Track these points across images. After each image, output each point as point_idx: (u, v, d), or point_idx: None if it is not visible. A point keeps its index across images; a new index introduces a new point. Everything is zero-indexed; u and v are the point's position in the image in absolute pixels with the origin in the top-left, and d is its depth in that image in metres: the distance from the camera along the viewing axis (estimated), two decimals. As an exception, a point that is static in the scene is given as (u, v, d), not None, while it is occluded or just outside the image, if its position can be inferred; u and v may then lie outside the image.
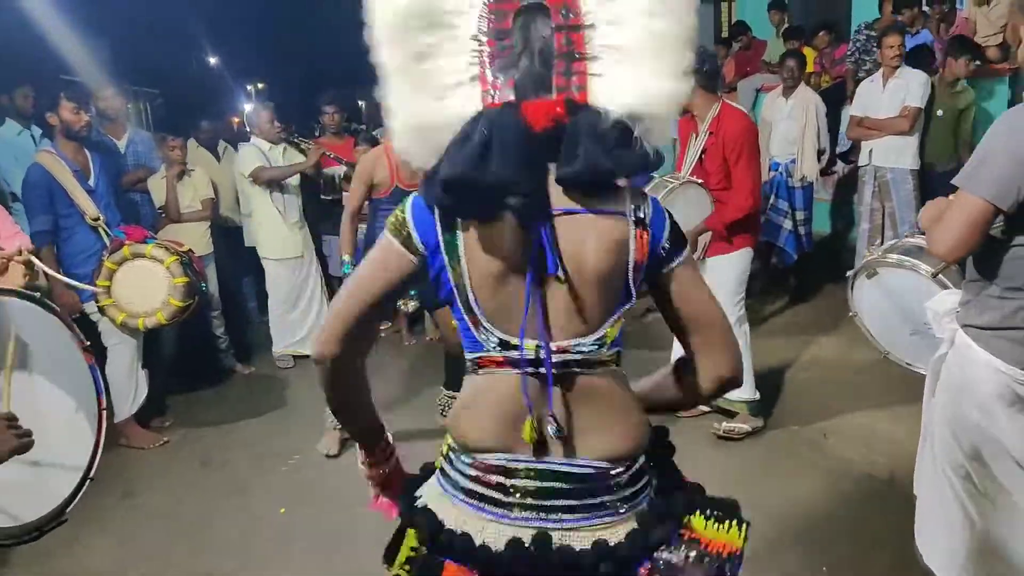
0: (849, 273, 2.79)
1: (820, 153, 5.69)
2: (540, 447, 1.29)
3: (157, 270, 3.81)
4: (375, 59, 1.23)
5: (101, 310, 3.83)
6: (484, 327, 1.28)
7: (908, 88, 4.96)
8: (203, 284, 4.10)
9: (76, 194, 3.82)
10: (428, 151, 1.24)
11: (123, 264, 3.79)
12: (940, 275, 2.42)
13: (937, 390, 2.12)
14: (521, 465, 1.30)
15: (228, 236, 5.46)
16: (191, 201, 4.95)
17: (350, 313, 1.29)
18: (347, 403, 1.44)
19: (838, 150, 6.26)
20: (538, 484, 1.29)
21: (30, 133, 4.72)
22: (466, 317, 1.29)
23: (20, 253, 1.91)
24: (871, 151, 5.19)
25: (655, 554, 1.31)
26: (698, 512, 1.37)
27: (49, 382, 1.89)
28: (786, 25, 8.32)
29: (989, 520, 2.01)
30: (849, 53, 6.75)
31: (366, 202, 3.72)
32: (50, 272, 3.50)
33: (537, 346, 1.26)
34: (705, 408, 3.98)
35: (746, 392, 3.74)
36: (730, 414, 3.83)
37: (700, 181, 3.52)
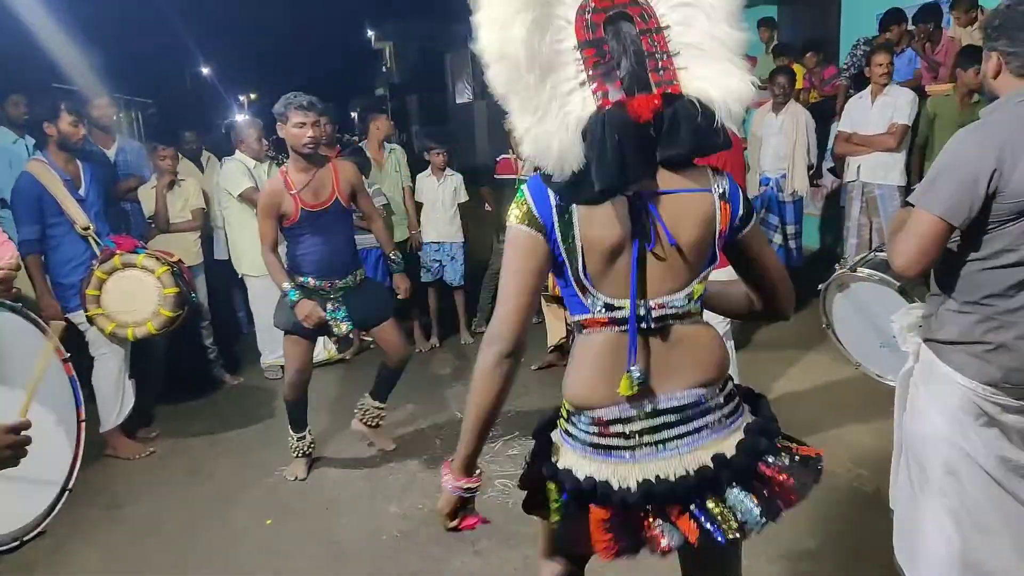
0: (821, 286, 2.82)
1: (810, 168, 5.74)
2: (642, 393, 1.50)
3: (148, 280, 3.80)
4: (495, 95, 1.40)
5: (90, 320, 3.81)
6: (591, 292, 1.50)
7: (896, 105, 5.01)
8: (193, 295, 4.09)
9: (66, 203, 3.82)
10: (558, 158, 1.40)
11: (113, 274, 3.78)
12: (907, 289, 2.45)
13: (910, 412, 2.12)
14: (633, 412, 1.52)
15: (217, 246, 5.46)
16: (181, 211, 4.95)
17: (524, 306, 1.48)
18: (499, 403, 1.54)
19: (825, 165, 6.32)
20: (651, 423, 1.52)
21: (25, 142, 4.70)
22: (574, 285, 1.50)
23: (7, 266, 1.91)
24: (859, 167, 5.23)
25: (767, 459, 1.54)
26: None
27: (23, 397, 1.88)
28: (775, 42, 8.40)
29: (966, 534, 2.01)
30: (844, 67, 6.81)
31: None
32: (36, 281, 3.49)
33: (643, 304, 1.48)
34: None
35: None
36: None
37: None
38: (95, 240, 3.89)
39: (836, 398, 4.04)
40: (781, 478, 1.53)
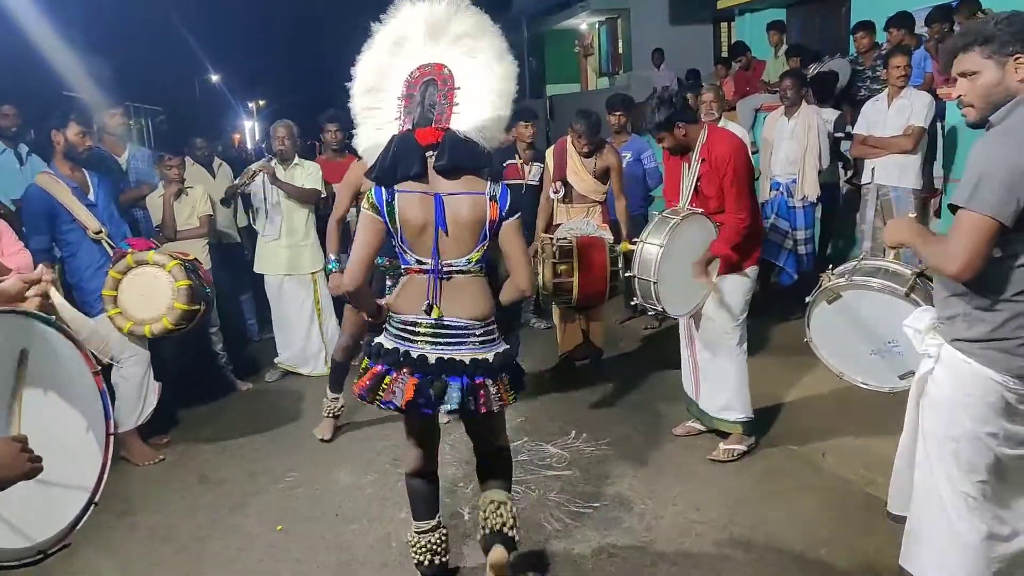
0: (809, 299, 2.80)
1: (821, 173, 5.71)
2: (428, 304, 2.49)
3: (159, 275, 3.87)
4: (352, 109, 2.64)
5: (110, 319, 3.86)
6: (407, 252, 2.51)
7: (912, 108, 4.98)
8: (207, 290, 4.14)
9: (76, 210, 3.86)
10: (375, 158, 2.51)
11: (127, 272, 3.85)
12: (912, 294, 2.46)
13: (925, 407, 2.17)
14: (423, 321, 2.50)
15: (226, 253, 5.48)
16: (189, 218, 4.97)
17: (364, 257, 2.50)
18: (363, 302, 2.62)
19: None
20: (433, 330, 2.49)
21: (15, 151, 4.72)
22: (399, 247, 2.52)
23: (40, 281, 1.91)
24: (874, 170, 5.20)
25: (485, 380, 2.49)
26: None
27: (61, 405, 1.88)
28: (784, 46, 8.38)
29: (993, 530, 2.07)
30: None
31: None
32: (56, 298, 3.52)
33: (435, 262, 2.48)
34: (700, 427, 3.98)
35: (740, 412, 3.73)
36: (722, 434, 3.82)
37: (700, 211, 3.55)
38: (108, 243, 3.94)
39: (847, 404, 4.02)
40: (482, 394, 2.47)
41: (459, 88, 2.47)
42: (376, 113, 2.56)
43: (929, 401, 2.15)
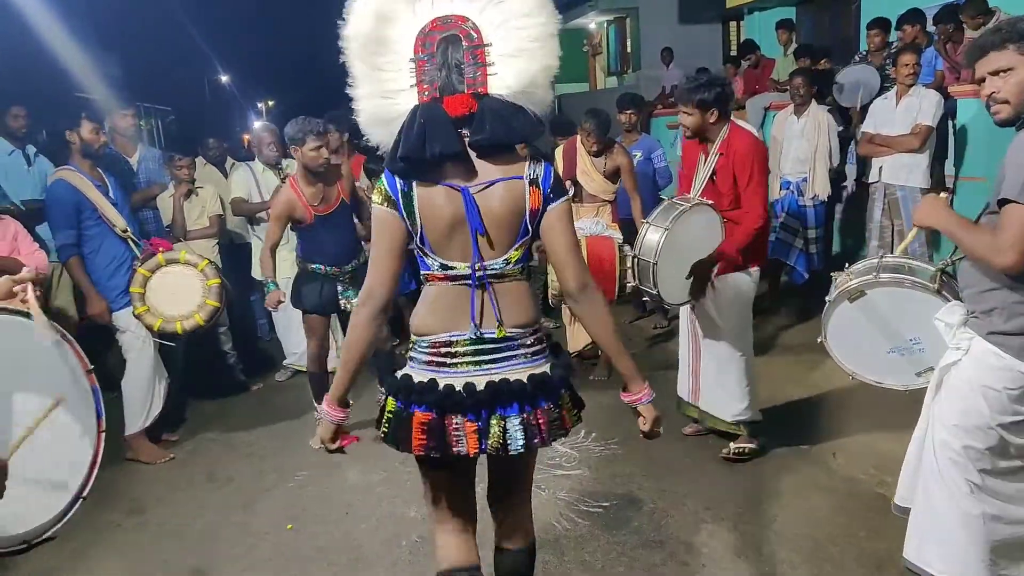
0: (829, 298, 2.78)
1: (832, 171, 5.68)
2: (474, 326, 1.96)
3: (191, 274, 3.96)
4: (348, 69, 1.88)
5: (138, 317, 3.91)
6: (430, 255, 1.96)
7: (921, 106, 4.95)
8: (229, 287, 4.21)
9: (103, 206, 3.92)
10: (386, 135, 1.91)
11: (157, 271, 3.91)
12: (942, 290, 2.47)
13: (942, 395, 2.24)
14: (460, 338, 1.97)
15: (237, 252, 5.50)
16: (199, 218, 5.00)
17: (390, 268, 1.96)
18: (366, 347, 2.00)
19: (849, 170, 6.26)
20: (474, 347, 1.97)
21: (23, 152, 4.74)
22: (418, 249, 1.97)
23: (33, 280, 1.95)
24: (881, 168, 5.17)
25: (542, 403, 1.97)
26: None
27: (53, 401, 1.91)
28: (794, 44, 8.35)
29: (995, 513, 2.17)
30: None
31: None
32: (81, 281, 3.61)
33: (469, 266, 1.94)
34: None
35: (745, 412, 3.71)
36: (731, 436, 3.80)
37: (711, 203, 3.51)
38: (134, 241, 4.00)
39: (860, 403, 4.00)
40: (542, 420, 1.97)
41: (490, 44, 1.86)
42: (382, 76, 1.90)
43: (948, 390, 2.20)
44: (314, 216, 3.98)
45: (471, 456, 1.95)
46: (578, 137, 4.93)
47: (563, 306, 4.99)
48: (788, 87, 5.70)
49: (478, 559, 2.22)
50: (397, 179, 1.91)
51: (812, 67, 6.84)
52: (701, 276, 3.49)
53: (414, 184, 1.90)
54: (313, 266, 4.05)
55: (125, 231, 3.98)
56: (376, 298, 1.94)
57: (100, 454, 2.03)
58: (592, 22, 17.38)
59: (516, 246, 1.97)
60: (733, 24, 13.91)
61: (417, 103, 1.86)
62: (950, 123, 5.48)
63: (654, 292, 3.47)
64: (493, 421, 1.93)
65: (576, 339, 5.06)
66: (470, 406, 1.92)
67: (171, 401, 4.45)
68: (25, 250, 3.66)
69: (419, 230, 1.93)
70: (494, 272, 1.97)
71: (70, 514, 1.94)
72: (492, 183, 1.90)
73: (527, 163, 1.94)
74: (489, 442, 1.92)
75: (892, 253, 2.75)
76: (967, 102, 5.57)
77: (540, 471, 3.72)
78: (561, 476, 3.67)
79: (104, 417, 2.05)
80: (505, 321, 1.98)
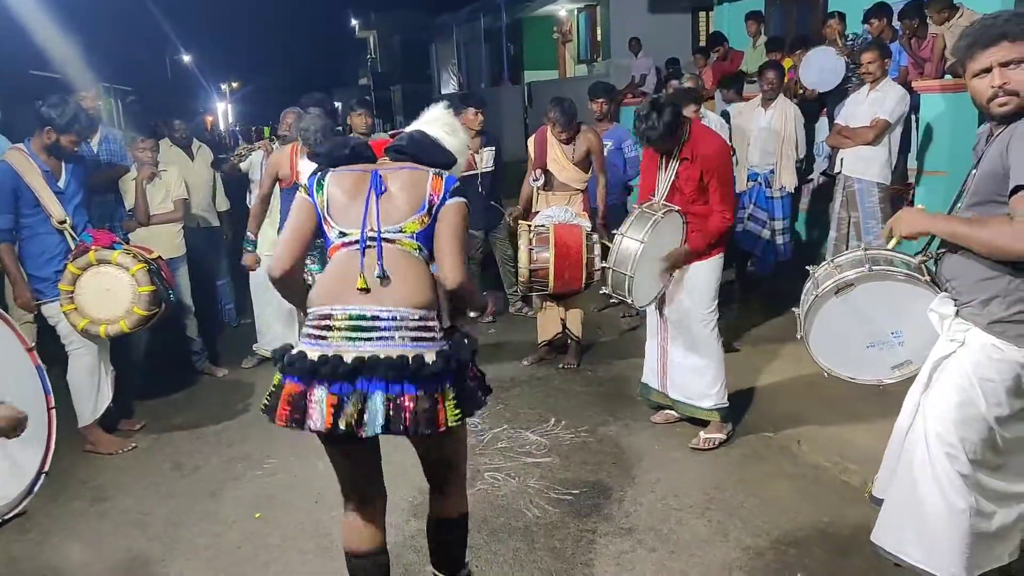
0: (817, 292, 2.74)
1: (799, 163, 5.75)
2: (360, 297, 2.01)
3: (122, 277, 3.75)
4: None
5: (64, 314, 3.75)
6: (331, 224, 2.15)
7: (883, 101, 5.03)
8: (170, 292, 4.03)
9: (43, 195, 3.76)
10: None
11: (88, 269, 3.73)
12: (935, 281, 2.46)
13: (935, 387, 2.24)
14: (339, 312, 2.02)
15: (204, 236, 5.40)
16: (163, 201, 4.88)
17: (291, 241, 2.18)
18: (291, 295, 2.29)
19: (817, 161, 6.36)
20: (350, 323, 2.00)
21: None
22: (324, 226, 2.17)
23: None
24: (842, 160, 5.26)
25: (413, 390, 1.95)
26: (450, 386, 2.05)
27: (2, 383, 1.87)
28: (763, 36, 8.42)
29: (978, 506, 2.20)
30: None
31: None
32: (9, 269, 3.44)
33: (364, 232, 2.09)
34: (679, 415, 4.01)
35: (716, 399, 3.76)
36: (702, 423, 3.86)
37: (677, 208, 3.60)
38: (71, 234, 3.83)
39: (825, 393, 4.07)
40: (408, 407, 1.94)
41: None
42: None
43: (944, 382, 2.21)
44: (292, 183, 4.40)
45: (325, 431, 1.94)
46: (547, 127, 4.93)
47: (534, 295, 5.00)
48: (760, 79, 5.74)
49: (380, 541, 2.26)
50: (316, 174, 2.22)
51: (783, 59, 6.92)
52: (671, 269, 3.64)
53: (328, 173, 2.20)
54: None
55: (63, 223, 3.80)
56: (283, 263, 2.15)
57: (54, 430, 2.02)
58: (562, 9, 17.34)
59: (412, 219, 2.12)
60: (703, 14, 13.98)
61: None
62: (913, 118, 5.58)
63: (628, 300, 3.60)
64: (352, 397, 1.92)
65: (546, 328, 5.07)
66: (330, 377, 1.92)
67: (128, 389, 4.37)
68: None
69: (325, 206, 2.16)
70: (387, 236, 2.09)
71: (35, 489, 1.93)
72: (399, 169, 2.20)
73: (430, 169, 2.22)
74: (343, 419, 1.91)
75: (848, 247, 2.72)
76: (931, 97, 5.69)
77: (510, 458, 3.74)
78: (531, 464, 3.69)
79: (52, 394, 2.04)
80: (390, 296, 2.02)
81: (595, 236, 4.28)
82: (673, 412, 4.03)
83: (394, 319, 1.98)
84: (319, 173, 2.21)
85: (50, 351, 3.84)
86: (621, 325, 5.82)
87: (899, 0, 6.45)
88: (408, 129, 2.34)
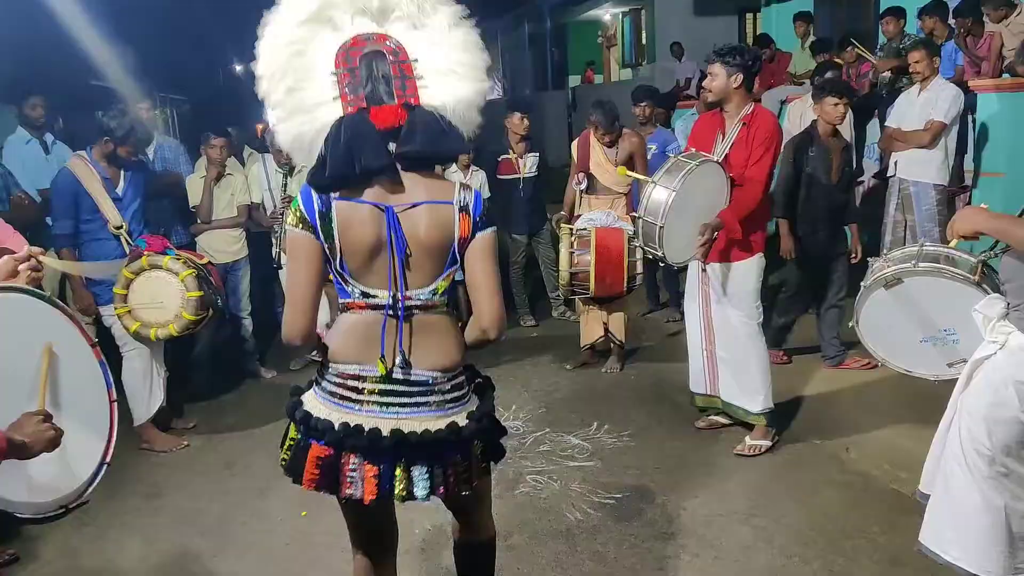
0: (865, 284, 2.77)
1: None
2: (382, 360, 1.82)
3: (172, 282, 3.84)
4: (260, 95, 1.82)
5: (118, 316, 3.88)
6: (350, 283, 1.84)
7: (936, 102, 4.91)
8: (218, 297, 4.11)
9: (101, 201, 3.91)
10: (308, 154, 1.81)
11: (140, 274, 3.84)
12: (982, 282, 2.43)
13: (973, 386, 2.22)
14: (370, 374, 1.83)
15: (264, 239, 5.49)
16: (227, 206, 4.93)
17: (306, 298, 1.83)
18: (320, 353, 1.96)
19: (869, 163, 6.24)
20: (382, 387, 1.84)
21: (40, 142, 4.77)
22: (336, 275, 1.84)
23: (29, 258, 1.98)
24: (896, 163, 5.15)
25: (456, 456, 1.87)
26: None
27: (67, 377, 1.95)
28: (811, 38, 8.29)
29: (1013, 504, 2.17)
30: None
31: None
32: (68, 269, 3.58)
33: (391, 295, 1.82)
34: (723, 421, 3.97)
35: (762, 402, 3.71)
36: (747, 428, 3.81)
37: (717, 159, 3.44)
38: (127, 240, 3.97)
39: (872, 400, 4.00)
40: (451, 473, 1.87)
41: (415, 60, 1.81)
42: (298, 95, 1.80)
43: (981, 383, 2.20)
44: None
45: (367, 503, 1.82)
46: (590, 130, 4.93)
47: (576, 298, 5.00)
48: (807, 80, 5.66)
49: None
50: (315, 197, 1.78)
51: (833, 58, 6.81)
52: (707, 241, 3.40)
53: (333, 203, 1.78)
54: None
55: (119, 228, 3.94)
56: (300, 335, 1.83)
57: (116, 422, 2.10)
58: (607, 13, 17.30)
59: (443, 276, 1.87)
60: (749, 16, 13.81)
61: (341, 115, 1.77)
62: (970, 118, 5.43)
63: (659, 253, 3.43)
64: (398, 471, 1.82)
65: (589, 332, 5.06)
66: (371, 452, 1.81)
67: (182, 388, 4.48)
68: (18, 249, 3.62)
69: (338, 255, 1.80)
70: (419, 303, 1.85)
71: (97, 480, 2.01)
72: (418, 204, 1.80)
73: (456, 187, 1.86)
74: (396, 491, 1.82)
75: (904, 248, 2.73)
76: (987, 97, 5.53)
77: (553, 462, 3.74)
78: (574, 467, 3.69)
79: (113, 388, 2.12)
80: (422, 362, 1.85)
81: (636, 241, 4.26)
82: (719, 419, 3.99)
83: (427, 383, 1.86)
84: (319, 200, 1.79)
85: (106, 354, 3.97)
86: (665, 329, 5.78)
87: (953, -1, 6.30)
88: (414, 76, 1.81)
